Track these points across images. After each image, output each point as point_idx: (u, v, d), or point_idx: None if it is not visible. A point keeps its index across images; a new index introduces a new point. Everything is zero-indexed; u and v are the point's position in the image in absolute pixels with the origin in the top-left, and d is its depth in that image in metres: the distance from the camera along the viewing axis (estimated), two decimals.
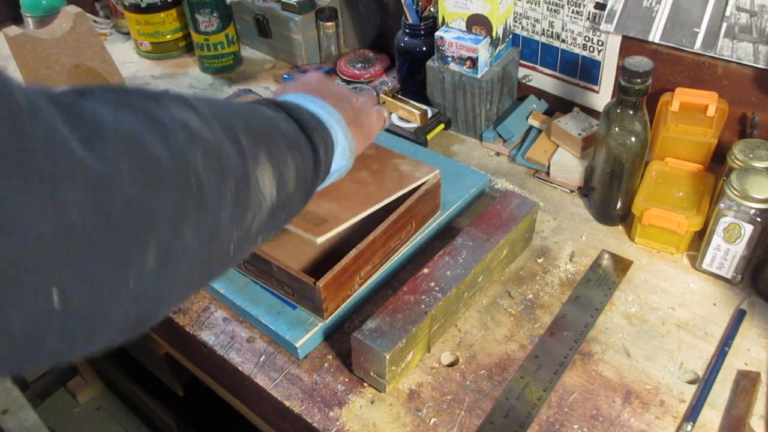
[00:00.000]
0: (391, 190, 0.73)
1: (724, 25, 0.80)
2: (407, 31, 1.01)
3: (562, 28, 0.94)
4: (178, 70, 1.26)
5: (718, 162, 0.81)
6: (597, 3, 0.89)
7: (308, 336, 0.68)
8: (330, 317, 0.70)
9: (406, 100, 1.00)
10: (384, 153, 0.79)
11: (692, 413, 0.62)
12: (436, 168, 0.78)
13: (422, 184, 0.76)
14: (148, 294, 0.33)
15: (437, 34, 0.94)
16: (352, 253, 0.68)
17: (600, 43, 0.91)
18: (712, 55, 0.82)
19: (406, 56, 1.03)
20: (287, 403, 0.65)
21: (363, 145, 0.70)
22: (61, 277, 0.28)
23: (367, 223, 0.71)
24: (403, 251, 0.78)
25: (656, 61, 0.76)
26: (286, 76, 1.18)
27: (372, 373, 0.65)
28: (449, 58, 0.95)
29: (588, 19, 0.91)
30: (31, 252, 0.26)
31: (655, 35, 0.85)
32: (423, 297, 0.66)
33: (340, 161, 0.63)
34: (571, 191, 0.90)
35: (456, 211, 0.84)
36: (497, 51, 0.95)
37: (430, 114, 0.99)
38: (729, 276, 0.75)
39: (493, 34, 0.92)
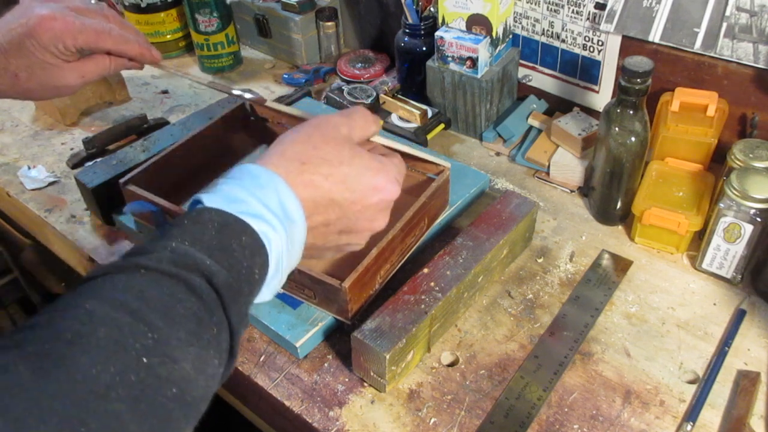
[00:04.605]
0: (414, 152, 0.74)
1: (724, 25, 0.80)
2: (407, 31, 1.01)
3: (562, 28, 0.94)
4: (178, 70, 1.26)
5: (718, 162, 0.81)
6: (597, 3, 0.89)
7: (308, 336, 0.68)
8: (353, 317, 0.70)
9: (406, 100, 1.00)
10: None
11: (692, 413, 0.62)
12: (447, 163, 0.79)
13: (437, 169, 0.78)
14: None
15: (437, 34, 0.94)
16: (374, 252, 0.68)
17: (600, 43, 0.91)
18: (712, 55, 0.82)
19: (406, 56, 1.03)
20: (287, 403, 0.65)
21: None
22: None
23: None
24: None
25: (656, 61, 0.76)
26: (286, 76, 1.18)
27: (372, 373, 0.65)
28: (449, 58, 0.95)
29: (588, 19, 0.91)
30: None
31: (655, 35, 0.85)
32: (423, 297, 0.66)
33: (273, 281, 0.49)
34: (571, 191, 0.90)
35: (456, 211, 0.84)
36: (497, 51, 0.95)
37: (430, 114, 0.99)
38: (729, 276, 0.75)
39: (493, 34, 0.92)
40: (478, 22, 0.92)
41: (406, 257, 0.76)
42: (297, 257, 0.52)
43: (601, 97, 0.96)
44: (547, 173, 0.92)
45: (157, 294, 0.40)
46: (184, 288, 0.41)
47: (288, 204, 0.48)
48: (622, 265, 0.78)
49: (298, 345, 0.68)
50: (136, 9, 1.23)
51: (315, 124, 0.54)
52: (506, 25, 0.95)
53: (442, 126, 1.00)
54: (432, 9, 1.00)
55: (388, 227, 0.71)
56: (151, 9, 1.23)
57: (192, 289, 0.41)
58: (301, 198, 0.49)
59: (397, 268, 0.75)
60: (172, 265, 0.42)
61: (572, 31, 0.93)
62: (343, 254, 0.58)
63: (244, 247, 0.45)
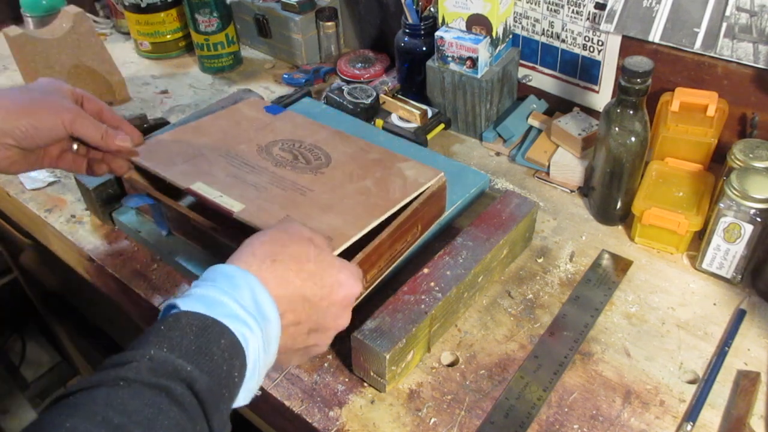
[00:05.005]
0: (395, 199, 0.72)
1: (724, 25, 0.80)
2: (407, 31, 1.01)
3: (562, 28, 0.94)
4: (178, 70, 1.26)
5: (718, 162, 0.81)
6: (597, 3, 0.89)
7: None
8: None
9: (406, 100, 1.00)
10: (387, 157, 0.79)
11: (692, 413, 0.62)
12: (440, 171, 0.77)
13: (427, 189, 0.76)
14: None
15: (437, 34, 0.94)
16: (359, 257, 0.68)
17: (600, 43, 0.91)
18: (712, 55, 0.82)
19: (406, 56, 1.03)
20: (287, 403, 0.65)
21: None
22: None
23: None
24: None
25: (656, 61, 0.76)
26: (286, 76, 1.18)
27: (372, 373, 0.65)
28: (449, 58, 0.95)
29: (588, 19, 0.91)
30: None
31: (655, 35, 0.85)
32: (423, 297, 0.66)
33: (249, 384, 0.48)
34: (571, 191, 0.90)
35: (456, 211, 0.84)
36: (497, 51, 0.95)
37: (430, 114, 0.99)
38: (729, 276, 0.75)
39: (493, 34, 0.92)
40: (478, 22, 0.92)
41: (396, 263, 0.76)
42: (272, 358, 0.51)
43: (601, 97, 0.96)
44: (547, 173, 0.92)
45: (139, 406, 0.39)
46: (166, 398, 0.40)
47: (263, 302, 0.49)
48: (622, 265, 0.78)
49: None
50: (136, 9, 1.23)
51: (281, 228, 0.56)
52: (506, 25, 0.95)
53: (442, 126, 1.00)
54: (432, 9, 1.00)
55: (377, 231, 0.70)
56: (151, 9, 1.23)
57: (174, 398, 0.40)
58: (275, 296, 0.50)
59: (386, 273, 0.75)
60: (152, 374, 0.41)
61: (572, 31, 0.93)
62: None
63: (223, 350, 0.45)
